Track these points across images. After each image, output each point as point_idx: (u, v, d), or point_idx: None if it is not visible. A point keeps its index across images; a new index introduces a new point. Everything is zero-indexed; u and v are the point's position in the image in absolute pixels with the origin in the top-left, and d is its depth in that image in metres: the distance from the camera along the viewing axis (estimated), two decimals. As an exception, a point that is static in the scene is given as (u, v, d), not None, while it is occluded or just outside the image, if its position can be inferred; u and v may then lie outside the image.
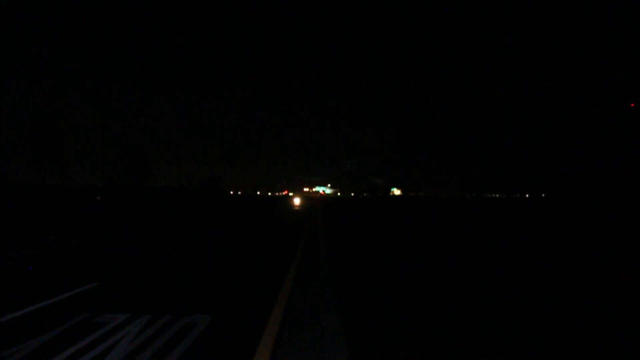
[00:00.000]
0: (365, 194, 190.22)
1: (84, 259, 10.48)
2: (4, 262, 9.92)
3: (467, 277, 8.20)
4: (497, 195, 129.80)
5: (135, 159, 56.60)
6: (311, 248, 12.25)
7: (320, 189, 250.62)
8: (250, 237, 15.65)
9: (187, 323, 5.29)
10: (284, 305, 6.07)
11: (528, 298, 6.53)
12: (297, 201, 73.50)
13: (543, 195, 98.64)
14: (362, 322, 5.32)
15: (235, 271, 8.82)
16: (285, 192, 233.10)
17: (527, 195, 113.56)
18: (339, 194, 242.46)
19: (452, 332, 4.96)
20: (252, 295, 6.69)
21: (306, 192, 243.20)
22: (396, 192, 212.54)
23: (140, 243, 13.58)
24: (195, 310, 5.81)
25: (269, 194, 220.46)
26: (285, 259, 10.30)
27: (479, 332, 4.98)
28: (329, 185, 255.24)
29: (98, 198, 40.47)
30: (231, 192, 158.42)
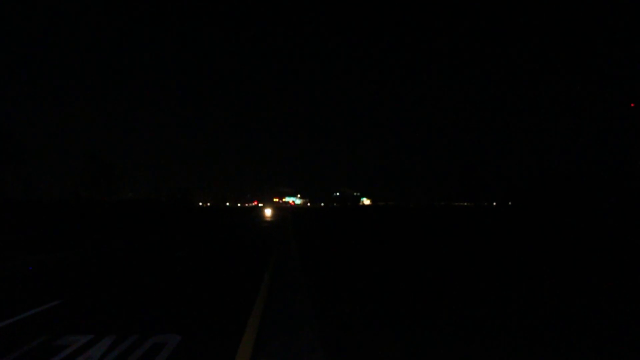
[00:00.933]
0: (335, 204, 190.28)
1: (45, 275, 10.00)
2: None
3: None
4: (466, 204, 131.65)
5: (101, 170, 55.14)
6: (283, 259, 12.01)
7: (290, 199, 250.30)
8: (220, 250, 15.31)
9: (156, 343, 4.98)
10: (257, 323, 5.81)
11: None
12: (268, 212, 72.75)
13: (510, 203, 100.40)
14: (338, 330, 5.11)
15: (206, 287, 8.53)
16: (255, 202, 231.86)
17: (494, 204, 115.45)
18: (308, 204, 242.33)
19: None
20: (224, 312, 6.41)
21: (276, 202, 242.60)
22: (366, 201, 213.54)
23: (106, 258, 13.09)
24: (164, 329, 5.50)
25: (239, 204, 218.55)
26: (258, 272, 10.05)
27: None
28: (298, 195, 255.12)
29: (62, 211, 39.24)
30: (200, 204, 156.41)
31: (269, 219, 42.63)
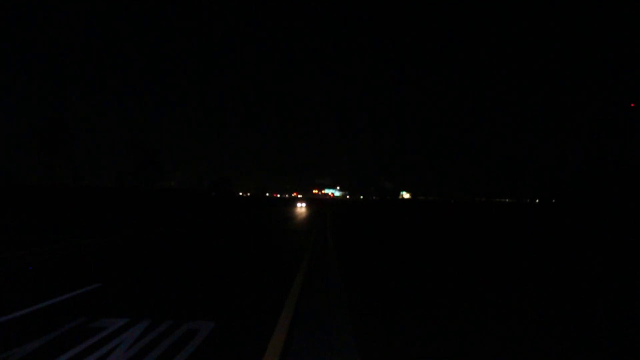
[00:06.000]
0: (374, 197, 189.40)
1: (88, 259, 10.26)
2: (6, 262, 9.71)
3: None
4: (507, 200, 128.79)
5: (145, 159, 56.50)
6: (319, 253, 11.97)
7: (329, 191, 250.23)
8: (258, 240, 15.39)
9: (189, 329, 4.99)
10: (292, 310, 5.76)
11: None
12: (301, 206, 62.55)
13: (554, 200, 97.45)
14: (372, 324, 5.00)
15: (241, 276, 8.53)
16: (295, 193, 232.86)
17: (537, 200, 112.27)
18: (347, 196, 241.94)
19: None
20: (258, 301, 6.37)
21: (315, 193, 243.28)
22: (405, 195, 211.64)
23: (146, 244, 13.36)
24: (198, 316, 5.51)
25: (279, 195, 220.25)
26: (294, 263, 10.02)
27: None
28: (338, 187, 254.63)
29: (107, 198, 40.47)
30: (240, 194, 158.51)
31: (302, 216, 34.85)
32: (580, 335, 4.99)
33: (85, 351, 4.34)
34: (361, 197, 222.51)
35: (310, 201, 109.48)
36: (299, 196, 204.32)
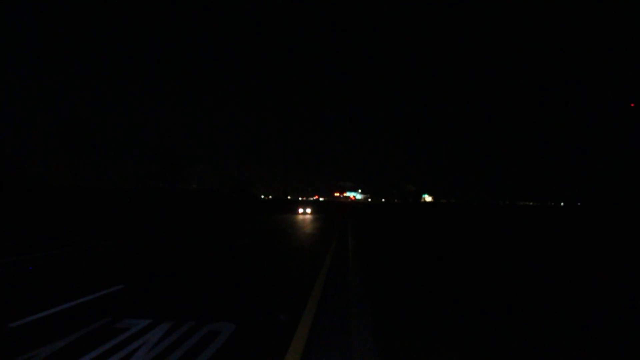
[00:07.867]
0: (396, 200, 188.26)
1: (113, 260, 10.40)
2: (33, 262, 9.89)
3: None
4: (531, 203, 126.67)
5: (167, 161, 56.96)
6: (341, 256, 11.94)
7: (351, 194, 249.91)
8: (278, 242, 15.43)
9: (211, 331, 5.00)
10: (312, 313, 5.73)
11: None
12: (303, 212, 48.41)
13: (579, 204, 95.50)
14: (392, 325, 4.94)
15: (262, 278, 8.55)
16: (317, 196, 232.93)
17: (562, 204, 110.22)
18: (369, 199, 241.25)
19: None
20: (279, 303, 6.37)
21: (337, 196, 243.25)
22: (427, 198, 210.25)
23: (169, 245, 13.49)
24: (220, 317, 5.52)
25: (300, 198, 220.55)
26: (315, 265, 10.01)
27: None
28: (359, 190, 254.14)
29: (128, 200, 41.03)
30: (262, 196, 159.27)
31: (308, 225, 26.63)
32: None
33: (109, 351, 4.37)
34: (382, 200, 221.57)
35: (329, 205, 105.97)
36: (322, 199, 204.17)
